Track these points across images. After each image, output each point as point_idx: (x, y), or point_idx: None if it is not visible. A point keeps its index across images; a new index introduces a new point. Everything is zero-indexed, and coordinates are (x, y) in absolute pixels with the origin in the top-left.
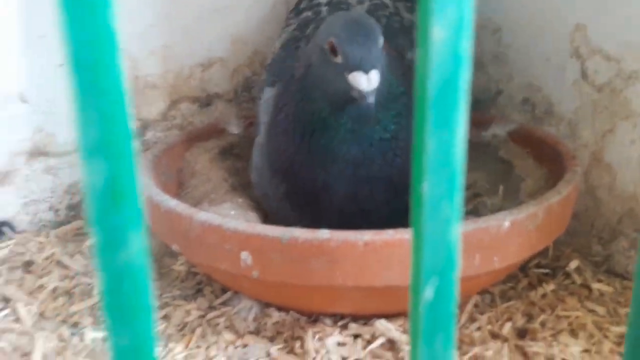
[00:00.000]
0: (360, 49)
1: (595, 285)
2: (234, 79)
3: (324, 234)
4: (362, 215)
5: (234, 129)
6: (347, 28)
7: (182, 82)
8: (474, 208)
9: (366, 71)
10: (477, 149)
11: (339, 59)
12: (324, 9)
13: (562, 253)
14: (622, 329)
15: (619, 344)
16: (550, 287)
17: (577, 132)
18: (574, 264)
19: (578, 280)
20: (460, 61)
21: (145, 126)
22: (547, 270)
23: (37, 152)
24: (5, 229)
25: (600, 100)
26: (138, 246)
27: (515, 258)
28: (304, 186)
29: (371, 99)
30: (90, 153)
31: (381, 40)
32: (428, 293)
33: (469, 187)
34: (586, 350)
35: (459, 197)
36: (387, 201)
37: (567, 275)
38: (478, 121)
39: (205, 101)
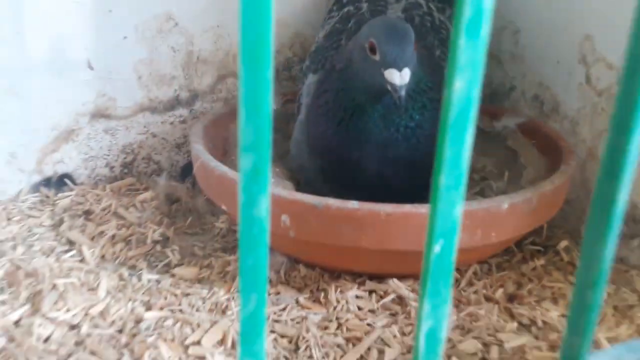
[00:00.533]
0: (395, 49)
1: (579, 262)
2: (276, 58)
3: (353, 204)
4: (387, 190)
5: (274, 104)
6: (385, 30)
7: (230, 60)
8: (481, 190)
9: (399, 69)
10: (489, 137)
11: (377, 57)
12: (365, 5)
13: (555, 234)
14: None
15: None
16: (540, 262)
17: (577, 129)
18: (563, 244)
19: (565, 258)
20: (471, 101)
21: (194, 97)
22: (539, 248)
23: (98, 114)
24: (67, 181)
25: (600, 103)
26: (265, 205)
27: (510, 235)
28: (338, 162)
29: (402, 92)
30: (248, 147)
31: (413, 42)
32: (437, 248)
33: (478, 170)
34: (563, 315)
35: (462, 187)
36: (408, 179)
37: (557, 253)
38: (492, 113)
39: None
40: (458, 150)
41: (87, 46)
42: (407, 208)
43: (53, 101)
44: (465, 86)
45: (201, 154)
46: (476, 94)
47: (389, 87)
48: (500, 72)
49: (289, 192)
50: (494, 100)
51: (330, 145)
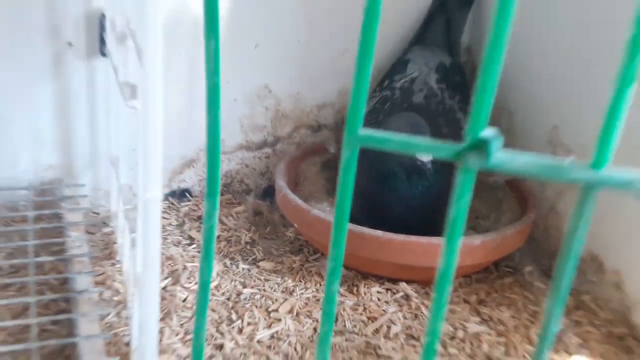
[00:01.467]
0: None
1: (536, 283)
2: (336, 116)
3: (378, 232)
4: (406, 226)
5: (332, 149)
6: (410, 127)
7: (304, 116)
8: (474, 226)
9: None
10: (484, 187)
11: None
12: (397, 92)
13: (523, 261)
14: (536, 308)
15: (531, 315)
16: (509, 280)
17: (544, 190)
18: (528, 269)
19: (528, 279)
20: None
21: (277, 140)
22: (511, 270)
23: None
24: (187, 194)
25: None
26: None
27: (480, 260)
28: (373, 206)
29: (429, 165)
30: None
31: (428, 131)
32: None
33: (475, 211)
34: (512, 317)
35: (460, 227)
36: (420, 219)
37: (522, 274)
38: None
39: (316, 128)
40: (461, 205)
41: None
42: (414, 238)
43: (184, 139)
44: (463, 182)
45: (283, 188)
46: (468, 190)
47: (419, 163)
48: None
49: None
50: None
51: (368, 194)
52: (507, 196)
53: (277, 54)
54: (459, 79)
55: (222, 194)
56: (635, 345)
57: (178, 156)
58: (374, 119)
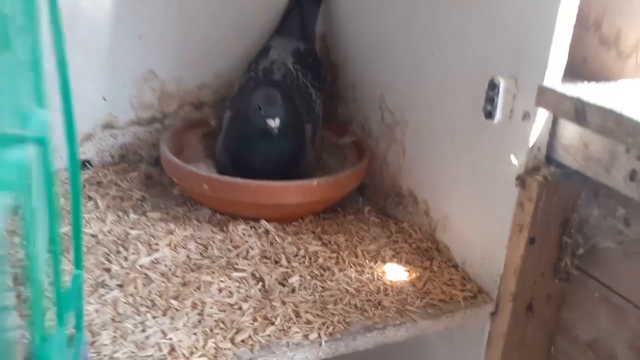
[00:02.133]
0: (271, 108)
1: (372, 218)
2: (215, 95)
3: (237, 179)
4: (267, 175)
5: (212, 123)
6: (265, 98)
7: (187, 95)
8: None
9: (273, 118)
10: (336, 148)
11: (262, 112)
12: (260, 72)
13: (365, 203)
14: (365, 234)
15: (361, 239)
16: (351, 217)
17: (378, 145)
18: (367, 208)
19: (367, 216)
20: None
21: (165, 116)
22: (355, 210)
23: (108, 126)
24: (87, 164)
25: (386, 132)
26: None
27: (320, 198)
28: (239, 162)
29: (276, 131)
30: None
31: (280, 103)
32: None
33: (327, 167)
34: (346, 240)
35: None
36: (277, 170)
37: (363, 213)
38: (339, 133)
39: (199, 105)
40: None
41: (102, 87)
42: (265, 182)
43: (82, 117)
44: None
45: (165, 152)
46: None
47: (269, 127)
48: (347, 109)
49: (208, 172)
50: (344, 125)
51: (235, 153)
52: (351, 153)
53: (159, 43)
54: (312, 61)
55: (117, 164)
56: (436, 255)
57: (78, 132)
58: (241, 95)
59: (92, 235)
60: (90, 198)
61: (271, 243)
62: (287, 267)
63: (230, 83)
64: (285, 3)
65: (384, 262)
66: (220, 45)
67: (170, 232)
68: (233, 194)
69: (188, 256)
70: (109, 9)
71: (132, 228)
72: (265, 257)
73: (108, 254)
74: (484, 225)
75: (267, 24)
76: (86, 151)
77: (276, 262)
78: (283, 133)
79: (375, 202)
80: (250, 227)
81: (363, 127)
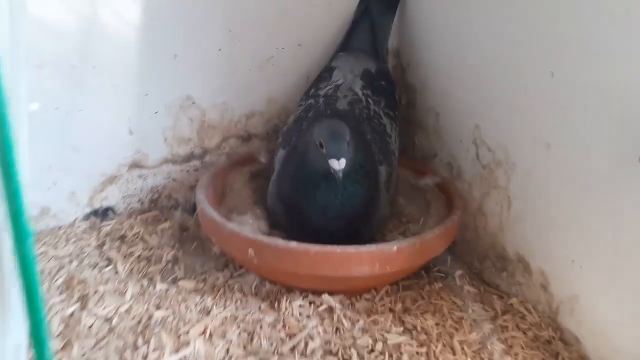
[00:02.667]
0: (335, 146)
1: (467, 287)
2: (267, 125)
3: (293, 244)
4: (329, 234)
5: (263, 159)
6: (329, 134)
7: (232, 126)
8: (404, 230)
9: (338, 159)
10: (415, 190)
11: (324, 150)
12: (321, 99)
13: (455, 264)
14: (462, 314)
15: (456, 322)
16: (439, 285)
17: (471, 190)
18: (459, 272)
19: (459, 283)
20: None
21: (205, 152)
22: (442, 274)
23: (134, 165)
24: (110, 212)
25: (483, 174)
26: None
27: (400, 267)
28: (295, 214)
29: (340, 175)
30: None
31: (347, 139)
32: None
33: (406, 214)
34: (436, 324)
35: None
36: (342, 228)
37: (454, 279)
38: (419, 172)
39: (246, 138)
40: None
41: (129, 117)
42: (328, 248)
43: (103, 156)
44: None
45: (201, 201)
46: None
47: (332, 171)
48: (428, 141)
49: (253, 234)
50: (423, 162)
51: (290, 203)
52: (436, 198)
53: (198, 64)
54: (385, 85)
55: (149, 211)
56: (562, 348)
57: (99, 174)
58: (297, 128)
59: (106, 320)
60: (109, 261)
61: (337, 329)
62: None
63: (285, 110)
64: (352, 13)
65: None
66: (273, 65)
67: (207, 312)
68: (286, 263)
69: (227, 351)
70: (137, 23)
71: (157, 306)
72: (331, 353)
73: (123, 350)
74: (636, 312)
75: (330, 37)
76: (109, 196)
77: None
78: (351, 178)
79: (469, 264)
80: (310, 304)
81: (450, 166)
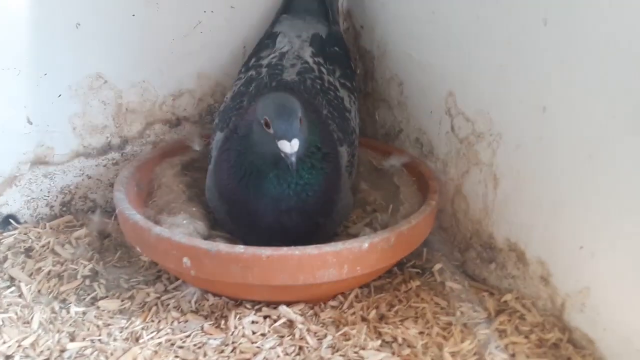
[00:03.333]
0: (285, 124)
1: (449, 283)
2: (199, 105)
3: (240, 248)
4: (284, 232)
5: (197, 146)
6: (276, 109)
7: (157, 109)
8: (370, 221)
9: (289, 139)
10: (380, 174)
11: (271, 131)
12: (264, 70)
13: (433, 256)
14: (449, 319)
15: (444, 328)
16: (416, 283)
17: (447, 169)
18: (437, 266)
19: (439, 278)
20: None
21: (125, 142)
22: (418, 270)
23: (38, 162)
24: (11, 221)
25: (461, 149)
26: None
27: (374, 268)
28: (240, 210)
29: (293, 159)
30: None
31: (299, 117)
32: None
33: (370, 203)
34: (420, 332)
35: None
36: (300, 224)
37: (432, 274)
38: (383, 152)
39: (175, 123)
40: None
41: (25, 104)
42: (282, 251)
43: None
44: None
45: (120, 201)
46: None
47: (283, 155)
48: (390, 116)
49: (187, 238)
50: (387, 139)
51: (233, 197)
52: (406, 182)
53: (107, 34)
54: (339, 51)
55: (60, 216)
56: (574, 352)
57: None
58: (236, 105)
59: (7, 357)
60: (11, 281)
61: (300, 349)
62: None
63: (220, 87)
64: None
65: None
66: (201, 33)
67: (135, 339)
68: (232, 273)
69: None
70: None
71: (72, 336)
72: None
73: None
74: None
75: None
76: (9, 201)
77: None
78: (306, 163)
79: (447, 256)
80: (264, 318)
81: (419, 142)
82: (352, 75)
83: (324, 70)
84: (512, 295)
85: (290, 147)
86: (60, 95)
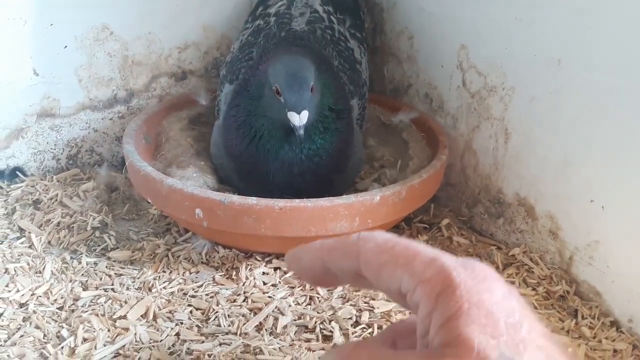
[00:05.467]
0: (295, 95)
1: (456, 238)
2: (205, 59)
3: (252, 200)
4: (295, 190)
5: (203, 100)
6: (287, 79)
7: (162, 61)
8: (379, 177)
9: (298, 112)
10: (388, 129)
11: (281, 99)
12: (272, 19)
13: (440, 212)
14: None
15: None
16: (423, 238)
17: (457, 124)
18: (445, 222)
19: (446, 233)
20: None
21: (131, 95)
22: (425, 225)
23: (44, 114)
24: (18, 173)
25: (472, 103)
26: None
27: (385, 221)
28: (249, 170)
29: (301, 132)
30: None
31: (310, 86)
32: None
33: (378, 159)
34: None
35: None
36: (313, 183)
37: (440, 229)
38: (392, 107)
39: (181, 76)
40: None
41: (31, 55)
42: (295, 203)
43: (3, 104)
44: None
45: (130, 153)
46: None
47: (292, 126)
48: (400, 70)
49: (200, 190)
50: (395, 95)
51: (241, 156)
52: (414, 138)
53: None
54: (348, 0)
55: (67, 169)
56: (581, 304)
57: (0, 126)
58: (245, 56)
59: (21, 305)
60: (21, 231)
61: (311, 299)
62: None
63: (226, 40)
64: None
65: None
66: None
67: (148, 289)
68: (245, 224)
69: (178, 335)
70: None
71: (84, 285)
72: (307, 330)
73: (44, 344)
74: None
75: None
76: (16, 153)
77: (326, 338)
78: (318, 128)
79: (455, 211)
80: (275, 270)
81: (428, 98)
82: (362, 26)
83: (333, 19)
84: (520, 249)
85: (299, 119)
86: (66, 47)
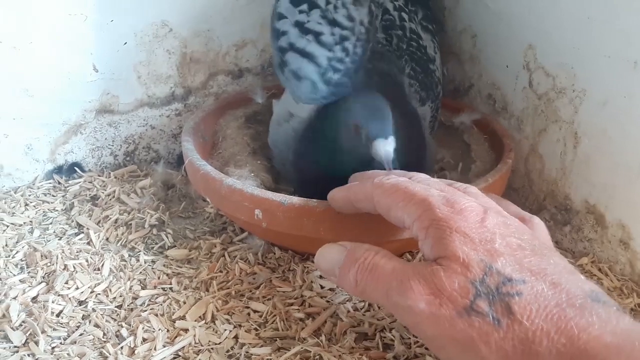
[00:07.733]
0: (379, 123)
1: None
2: (261, 56)
3: (312, 202)
4: None
5: (259, 98)
6: (368, 110)
7: (220, 59)
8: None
9: (386, 137)
10: (449, 131)
11: (362, 135)
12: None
13: None
14: None
15: None
16: None
17: (522, 127)
18: None
19: None
20: None
21: (188, 92)
22: None
23: (103, 110)
24: (76, 169)
25: (539, 105)
26: None
27: None
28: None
29: (390, 160)
30: None
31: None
32: None
33: (438, 161)
34: None
35: None
36: None
37: None
38: (453, 108)
39: (238, 74)
40: None
41: (92, 51)
42: None
43: (63, 100)
44: None
45: (189, 152)
46: None
47: (378, 159)
48: (461, 70)
49: (260, 190)
50: (455, 96)
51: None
52: (477, 140)
53: None
54: None
55: (124, 165)
56: None
57: (60, 122)
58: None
59: (80, 303)
60: (79, 228)
61: (370, 305)
62: (406, 357)
63: None
64: None
65: None
66: None
67: (205, 288)
68: (305, 226)
69: (236, 338)
70: None
71: (142, 284)
72: (366, 338)
73: (103, 342)
74: None
75: None
76: (74, 149)
77: (386, 346)
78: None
79: None
80: None
81: (491, 99)
82: (432, 17)
83: (405, 17)
84: (588, 258)
85: (387, 144)
86: (125, 43)
